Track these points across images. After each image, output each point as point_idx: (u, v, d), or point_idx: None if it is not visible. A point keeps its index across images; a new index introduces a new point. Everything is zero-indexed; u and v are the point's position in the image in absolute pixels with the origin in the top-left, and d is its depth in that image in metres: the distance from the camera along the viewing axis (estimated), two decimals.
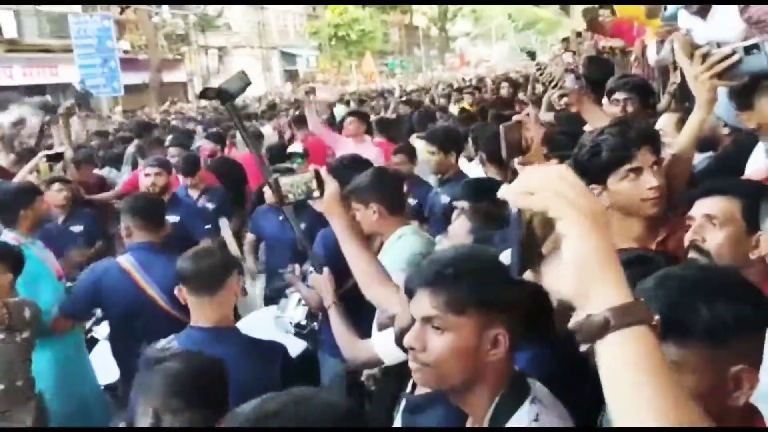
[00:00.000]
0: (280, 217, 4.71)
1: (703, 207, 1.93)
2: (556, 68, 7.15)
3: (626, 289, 0.85)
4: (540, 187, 0.86)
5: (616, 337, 0.83)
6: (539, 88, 6.41)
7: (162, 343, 2.66)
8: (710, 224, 1.90)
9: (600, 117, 3.03)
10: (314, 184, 2.25)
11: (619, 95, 3.48)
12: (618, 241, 2.17)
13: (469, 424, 1.50)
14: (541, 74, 3.28)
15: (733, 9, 3.32)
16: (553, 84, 3.22)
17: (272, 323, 3.77)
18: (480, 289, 1.36)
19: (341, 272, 3.51)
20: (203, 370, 1.93)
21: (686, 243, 1.93)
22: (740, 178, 2.41)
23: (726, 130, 3.16)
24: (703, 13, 3.33)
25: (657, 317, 0.86)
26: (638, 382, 0.82)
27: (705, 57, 2.15)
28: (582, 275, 0.85)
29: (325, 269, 2.60)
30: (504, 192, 0.88)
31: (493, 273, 1.35)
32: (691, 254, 1.90)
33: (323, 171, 2.30)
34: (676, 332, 1.20)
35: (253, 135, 7.10)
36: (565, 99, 3.00)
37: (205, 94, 2.60)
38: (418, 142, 5.65)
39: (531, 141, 2.09)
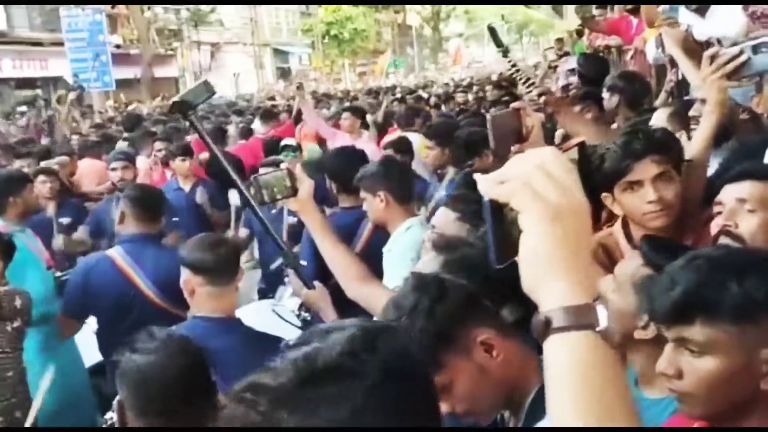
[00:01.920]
0: (272, 211, 4.69)
1: (734, 191, 1.87)
2: (542, 66, 7.13)
3: (580, 293, 0.79)
4: (512, 175, 0.82)
5: (556, 340, 0.79)
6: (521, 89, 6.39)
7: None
8: (743, 209, 1.85)
9: (577, 124, 3.02)
10: (288, 183, 2.20)
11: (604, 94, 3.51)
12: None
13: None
14: (517, 70, 3.22)
15: (735, 5, 3.31)
16: (529, 83, 3.16)
17: (266, 316, 3.72)
18: None
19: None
20: (172, 369, 1.77)
21: (715, 229, 1.87)
22: None
23: (744, 115, 3.08)
24: (702, 11, 3.32)
25: (603, 326, 0.80)
26: (573, 388, 0.77)
27: (713, 58, 2.11)
28: (533, 272, 0.81)
29: (318, 284, 2.50)
30: (477, 179, 0.84)
31: None
32: (723, 240, 1.84)
33: (298, 169, 2.25)
34: (703, 311, 1.18)
35: (216, 130, 7.13)
36: (543, 98, 2.95)
37: (172, 109, 2.48)
38: (414, 137, 5.62)
39: (531, 128, 2.04)
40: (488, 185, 0.82)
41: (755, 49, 2.08)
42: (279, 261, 4.19)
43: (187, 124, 2.69)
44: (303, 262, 3.62)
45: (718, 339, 1.18)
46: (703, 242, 2.04)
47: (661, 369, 1.28)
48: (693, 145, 2.26)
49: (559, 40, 14.70)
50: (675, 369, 1.25)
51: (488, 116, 2.26)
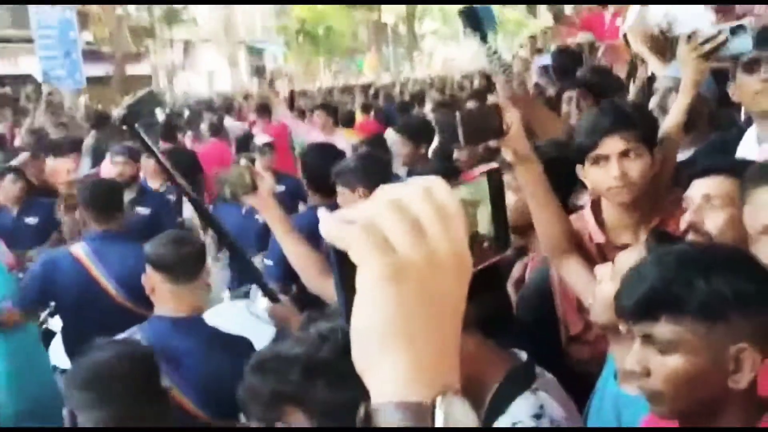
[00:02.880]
0: (242, 210, 4.64)
1: (702, 187, 1.88)
2: (515, 62, 7.16)
3: (418, 384, 0.58)
4: (361, 215, 0.60)
5: None
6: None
7: (123, 335, 2.55)
8: (710, 205, 1.85)
9: (544, 120, 3.01)
10: (248, 179, 2.16)
11: (569, 92, 3.51)
12: (609, 229, 2.16)
13: None
14: (498, 57, 3.18)
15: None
16: (507, 70, 3.14)
17: (241, 316, 3.67)
18: None
19: None
20: (125, 363, 1.80)
21: (684, 225, 1.88)
22: (739, 158, 2.38)
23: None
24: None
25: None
26: None
27: (690, 38, 2.14)
28: (362, 348, 0.60)
29: (284, 298, 2.45)
30: (320, 218, 0.62)
31: None
32: (691, 237, 1.84)
33: (258, 165, 2.25)
34: (669, 308, 1.16)
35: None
36: (511, 85, 2.94)
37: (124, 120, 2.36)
38: (390, 133, 5.59)
39: (510, 124, 2.01)
40: (329, 226, 0.61)
41: (733, 31, 2.12)
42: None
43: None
44: (269, 262, 3.60)
45: (684, 336, 1.16)
46: (670, 223, 2.04)
47: (628, 367, 1.27)
48: (665, 123, 2.28)
49: (533, 38, 14.74)
50: (643, 367, 1.23)
51: (457, 113, 2.21)
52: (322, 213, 0.62)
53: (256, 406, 0.83)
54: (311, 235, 3.57)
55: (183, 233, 2.77)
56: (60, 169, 6.55)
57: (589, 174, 2.10)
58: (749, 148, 2.50)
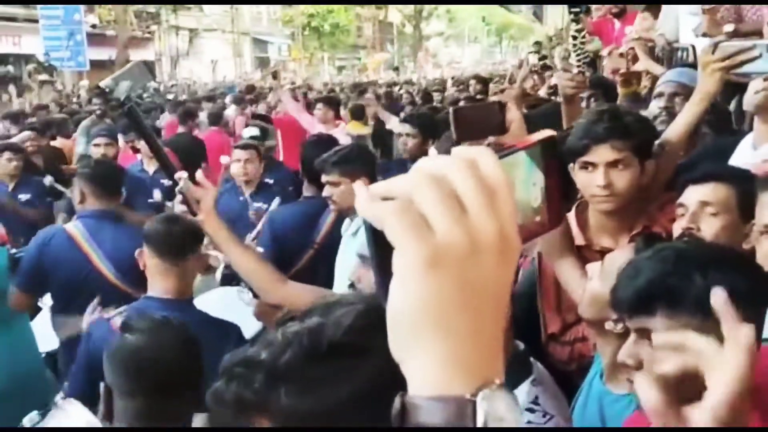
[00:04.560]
0: (240, 198, 4.64)
1: (697, 193, 1.87)
2: (523, 69, 7.17)
3: (458, 378, 0.53)
4: (399, 189, 0.55)
5: None
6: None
7: (113, 313, 2.55)
8: (705, 212, 1.85)
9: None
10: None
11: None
12: (592, 232, 2.16)
13: None
14: (583, 41, 3.04)
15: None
16: (583, 58, 3.05)
17: (232, 302, 3.67)
18: None
19: (289, 255, 3.49)
20: (165, 351, 1.73)
21: (678, 231, 1.87)
22: (734, 165, 2.35)
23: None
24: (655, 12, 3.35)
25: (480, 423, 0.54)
26: None
27: (717, 46, 2.04)
28: (399, 337, 0.55)
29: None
30: (357, 191, 0.58)
31: None
32: None
33: (200, 176, 2.06)
34: (665, 302, 1.16)
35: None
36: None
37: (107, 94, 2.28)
38: (395, 124, 5.55)
39: (511, 122, 2.01)
40: (366, 201, 0.56)
41: None
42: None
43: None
44: (260, 249, 3.59)
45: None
46: (656, 226, 2.04)
47: (621, 359, 1.26)
48: (671, 130, 2.22)
49: (538, 44, 14.78)
50: (635, 360, 1.24)
51: (450, 109, 2.20)
52: (359, 187, 0.57)
53: (221, 413, 0.81)
54: (305, 224, 3.61)
55: (179, 215, 2.76)
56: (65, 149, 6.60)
57: (577, 177, 2.09)
58: (744, 153, 2.50)
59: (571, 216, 2.19)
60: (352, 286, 2.02)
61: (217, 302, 3.73)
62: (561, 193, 0.65)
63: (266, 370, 0.77)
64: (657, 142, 2.19)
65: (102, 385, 1.72)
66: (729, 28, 3.20)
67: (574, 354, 2.12)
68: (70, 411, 1.65)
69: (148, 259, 2.47)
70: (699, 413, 0.74)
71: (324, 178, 3.10)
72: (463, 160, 0.55)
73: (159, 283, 2.46)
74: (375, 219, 0.55)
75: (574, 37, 2.89)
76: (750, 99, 2.41)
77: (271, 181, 5.08)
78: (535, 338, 2.24)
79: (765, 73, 2.02)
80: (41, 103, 10.53)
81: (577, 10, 2.88)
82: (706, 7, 3.60)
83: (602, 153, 2.00)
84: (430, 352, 0.53)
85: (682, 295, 1.15)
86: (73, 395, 2.48)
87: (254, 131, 6.30)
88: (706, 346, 0.76)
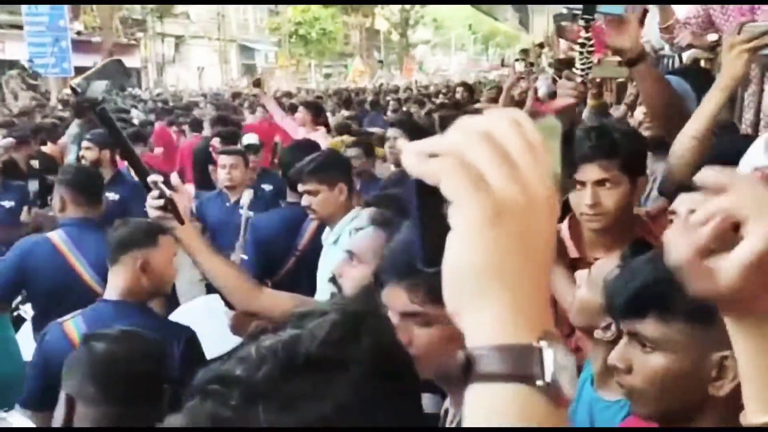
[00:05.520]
0: (227, 203, 4.61)
1: (688, 201, 1.86)
2: (510, 77, 7.20)
3: (520, 327, 0.55)
4: (448, 146, 0.57)
5: (479, 390, 0.55)
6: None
7: (68, 317, 2.53)
8: None
9: None
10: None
11: None
12: (586, 245, 2.14)
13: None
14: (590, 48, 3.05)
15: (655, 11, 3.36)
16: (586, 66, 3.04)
17: (214, 310, 3.63)
18: None
19: (272, 262, 3.46)
20: (131, 357, 1.73)
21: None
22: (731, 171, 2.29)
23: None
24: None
25: (548, 378, 0.55)
26: None
27: (742, 26, 1.99)
28: (457, 289, 0.57)
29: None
30: (403, 149, 0.59)
31: None
32: None
33: (175, 180, 1.99)
34: (657, 307, 1.16)
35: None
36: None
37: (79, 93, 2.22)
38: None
39: None
40: (415, 159, 0.57)
41: None
42: (232, 255, 4.11)
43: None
44: (244, 256, 3.56)
45: (669, 336, 1.16)
46: (650, 236, 2.02)
47: (612, 362, 1.26)
48: (699, 117, 2.11)
49: (525, 51, 14.85)
50: (626, 363, 1.24)
51: (435, 115, 2.17)
52: (406, 144, 0.59)
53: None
54: (287, 230, 3.57)
55: (134, 220, 2.72)
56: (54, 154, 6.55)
57: (571, 195, 2.07)
58: (758, 156, 2.44)
59: (564, 229, 2.16)
60: (333, 280, 1.99)
61: (201, 311, 3.70)
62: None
63: (243, 387, 0.74)
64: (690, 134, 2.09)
65: (63, 393, 1.71)
66: (713, 37, 3.21)
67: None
68: (12, 423, 1.63)
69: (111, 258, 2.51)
70: (727, 259, 0.70)
71: (301, 188, 3.06)
72: (509, 119, 0.58)
73: (116, 283, 2.49)
74: (428, 176, 0.56)
75: (582, 45, 2.87)
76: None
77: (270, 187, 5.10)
78: None
79: None
80: (23, 109, 10.44)
81: (590, 17, 2.85)
82: (663, 26, 3.62)
83: (589, 172, 1.98)
84: (493, 304, 0.55)
85: (674, 302, 1.14)
86: (27, 399, 2.50)
87: (253, 139, 6.26)
88: (752, 188, 0.72)
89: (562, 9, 4.45)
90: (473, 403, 0.56)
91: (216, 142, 6.12)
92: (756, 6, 2.95)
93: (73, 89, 2.07)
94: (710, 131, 2.13)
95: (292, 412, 0.74)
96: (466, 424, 0.56)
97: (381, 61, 32.15)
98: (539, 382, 0.54)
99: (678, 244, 0.71)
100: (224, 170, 4.58)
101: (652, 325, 1.18)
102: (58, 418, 1.70)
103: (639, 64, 2.26)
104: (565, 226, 2.18)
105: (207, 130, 8.01)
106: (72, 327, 2.42)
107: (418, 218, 0.60)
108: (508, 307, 0.55)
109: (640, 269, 1.22)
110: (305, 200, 3.04)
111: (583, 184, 2.00)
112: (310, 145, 3.98)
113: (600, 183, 1.98)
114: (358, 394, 0.75)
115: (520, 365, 0.54)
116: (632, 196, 2.04)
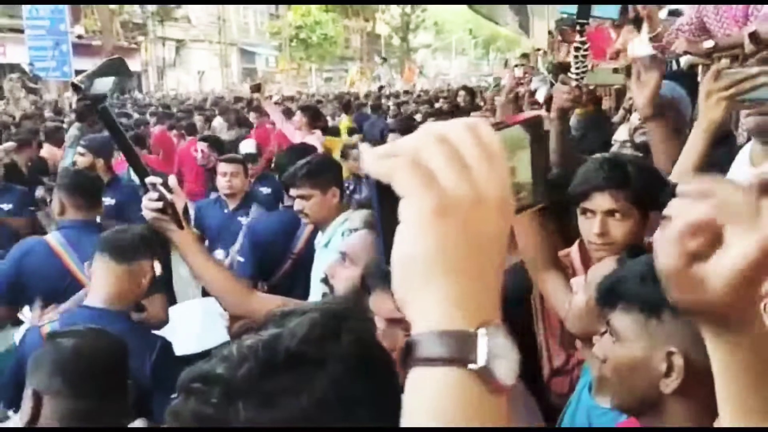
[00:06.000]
0: (226, 210, 4.61)
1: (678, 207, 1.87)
2: (507, 82, 7.21)
3: (460, 315, 0.57)
4: (404, 148, 0.60)
5: (418, 373, 0.58)
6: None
7: (45, 318, 2.59)
8: None
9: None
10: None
11: None
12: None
13: None
14: (585, 51, 3.03)
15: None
16: (581, 71, 3.03)
17: (210, 312, 3.64)
18: None
19: (268, 265, 3.47)
20: (96, 352, 1.79)
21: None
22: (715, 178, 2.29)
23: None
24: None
25: (481, 363, 0.57)
26: None
27: (719, 73, 1.98)
28: (404, 279, 0.60)
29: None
30: (363, 152, 0.62)
31: None
32: None
33: (172, 182, 1.99)
34: (624, 298, 1.28)
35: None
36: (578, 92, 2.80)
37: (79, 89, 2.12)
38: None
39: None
40: (372, 160, 0.61)
41: None
42: (228, 259, 4.12)
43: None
44: (240, 258, 3.57)
45: (629, 327, 1.26)
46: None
47: (593, 351, 1.37)
48: (682, 166, 2.13)
49: (525, 56, 14.84)
50: (603, 354, 1.33)
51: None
52: (365, 147, 0.62)
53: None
54: (284, 233, 3.58)
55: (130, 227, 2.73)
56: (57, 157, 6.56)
57: (579, 221, 2.08)
58: (743, 170, 2.46)
59: (575, 252, 2.18)
60: (325, 280, 2.00)
61: (196, 312, 3.71)
62: (545, 172, 0.69)
63: (223, 385, 0.76)
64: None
65: (30, 390, 1.73)
66: (708, 44, 3.21)
67: (573, 383, 2.10)
68: (18, 422, 1.66)
69: (96, 265, 2.49)
70: (715, 267, 0.68)
71: (294, 192, 3.06)
72: (466, 125, 0.61)
73: (100, 289, 2.48)
74: (383, 174, 0.60)
75: (577, 49, 2.86)
76: (745, 121, 2.37)
77: (268, 190, 5.10)
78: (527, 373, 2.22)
79: None
80: (26, 114, 10.48)
81: (585, 21, 2.84)
82: (652, 34, 3.63)
83: (600, 201, 1.99)
84: (437, 292, 0.58)
85: (633, 294, 1.25)
86: (2, 401, 2.55)
87: (251, 147, 6.27)
88: (734, 194, 0.71)
89: (563, 13, 4.44)
90: (412, 385, 0.58)
91: (204, 147, 6.14)
92: (750, 12, 2.95)
93: (75, 86, 2.04)
94: (699, 169, 2.14)
95: (272, 409, 0.75)
96: (405, 407, 0.58)
97: (385, 59, 31.94)
98: (473, 366, 0.57)
99: (665, 250, 0.71)
100: (224, 178, 4.57)
101: (618, 315, 1.28)
102: (24, 413, 1.73)
103: (652, 120, 2.29)
104: (575, 249, 2.19)
105: (224, 133, 8.12)
106: (49, 331, 2.44)
107: (378, 219, 0.63)
108: (449, 296, 0.58)
109: (627, 267, 1.32)
110: (298, 204, 3.05)
111: (593, 212, 2.01)
112: (306, 149, 3.99)
113: (610, 213, 1.99)
114: (338, 391, 0.77)
115: (457, 350, 0.57)
116: (642, 230, 2.02)
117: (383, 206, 0.61)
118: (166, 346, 2.50)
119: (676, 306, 0.74)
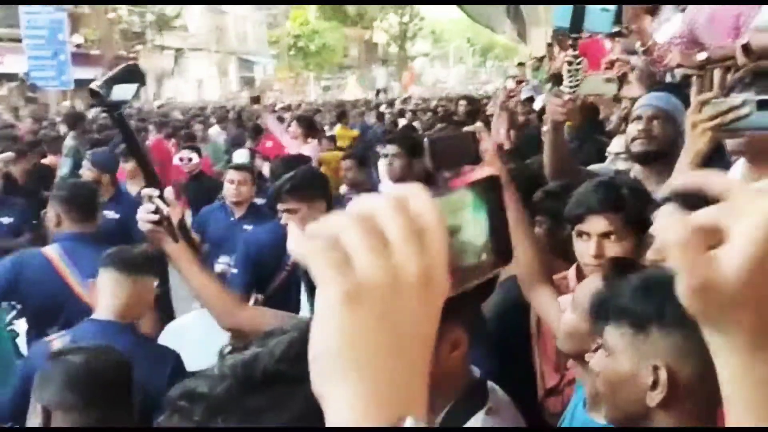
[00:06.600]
0: (231, 218, 4.61)
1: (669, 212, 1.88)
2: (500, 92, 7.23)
3: (373, 410, 0.54)
4: (326, 230, 0.55)
5: None
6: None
7: (52, 336, 2.56)
8: None
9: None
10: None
11: None
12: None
13: None
14: (578, 62, 3.01)
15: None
16: (575, 83, 3.02)
17: (208, 324, 3.64)
18: None
19: (263, 276, 3.47)
20: (106, 367, 1.84)
21: (648, 261, 1.84)
22: (696, 194, 2.30)
23: None
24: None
25: None
26: None
27: (704, 103, 1.96)
28: (316, 373, 0.55)
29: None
30: (290, 231, 0.58)
31: None
32: None
33: (169, 193, 1.99)
34: (614, 312, 1.30)
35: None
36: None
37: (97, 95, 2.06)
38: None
39: (484, 152, 2.02)
40: (294, 241, 0.57)
41: (761, 104, 1.85)
42: (224, 265, 4.11)
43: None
44: (234, 270, 3.57)
45: (618, 341, 1.29)
46: None
47: (590, 365, 1.39)
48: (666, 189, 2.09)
49: (521, 65, 14.90)
50: (597, 368, 1.35)
51: (425, 138, 2.17)
52: (292, 227, 0.57)
53: None
54: (279, 246, 3.57)
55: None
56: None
57: (575, 243, 2.10)
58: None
59: (572, 274, 2.19)
60: (311, 295, 2.00)
61: (195, 324, 3.71)
62: (507, 229, 0.64)
63: (205, 402, 0.78)
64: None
65: (38, 406, 1.76)
66: (702, 56, 3.23)
67: (565, 401, 2.11)
68: None
69: (101, 279, 2.49)
70: (727, 255, 0.62)
71: (281, 207, 3.01)
72: (393, 198, 0.55)
73: (107, 302, 2.48)
74: (301, 257, 0.55)
75: (570, 62, 2.87)
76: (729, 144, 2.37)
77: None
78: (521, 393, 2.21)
79: (756, 129, 1.88)
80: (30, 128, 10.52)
81: (578, 35, 2.84)
82: (643, 48, 3.65)
83: (595, 224, 2.02)
84: (347, 390, 0.53)
85: (622, 308, 1.29)
86: (10, 410, 2.48)
87: (243, 157, 6.28)
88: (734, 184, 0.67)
89: (556, 28, 4.48)
90: None
91: (186, 153, 6.19)
92: (740, 24, 2.97)
93: (93, 92, 2.00)
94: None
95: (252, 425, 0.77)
96: None
97: (385, 60, 31.99)
98: None
99: (672, 227, 0.66)
100: (232, 185, 4.56)
101: (609, 330, 1.30)
102: (33, 429, 1.78)
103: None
104: (572, 272, 2.21)
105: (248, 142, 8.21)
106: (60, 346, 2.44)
107: (309, 299, 0.59)
108: (359, 395, 0.53)
109: (624, 282, 1.34)
110: (284, 219, 3.00)
111: (588, 235, 2.03)
112: (300, 160, 3.98)
113: (605, 235, 2.01)
114: (317, 406, 0.79)
115: None
116: (638, 252, 2.01)
117: (312, 290, 0.56)
118: (179, 360, 2.50)
119: (689, 309, 0.64)
